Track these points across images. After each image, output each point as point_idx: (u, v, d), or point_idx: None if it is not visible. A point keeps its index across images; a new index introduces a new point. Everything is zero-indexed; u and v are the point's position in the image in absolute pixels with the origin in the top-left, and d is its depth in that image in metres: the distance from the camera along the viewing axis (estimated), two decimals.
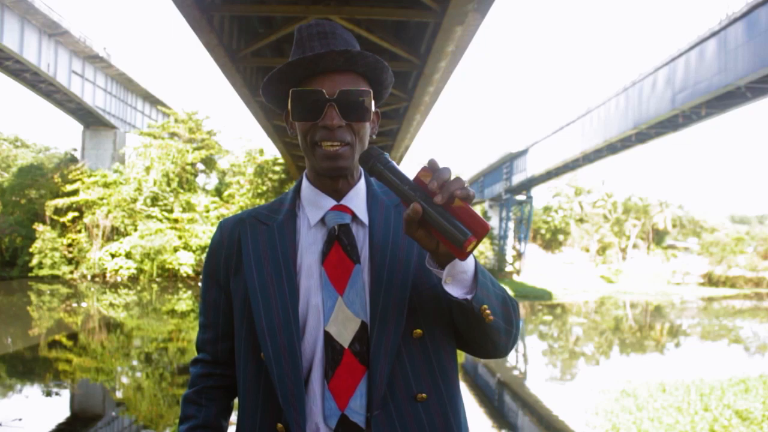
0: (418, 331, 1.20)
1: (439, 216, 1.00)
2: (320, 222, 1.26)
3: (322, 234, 1.24)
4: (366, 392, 1.16)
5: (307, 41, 1.24)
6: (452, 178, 1.02)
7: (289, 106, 1.23)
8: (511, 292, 1.32)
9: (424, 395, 1.19)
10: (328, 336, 1.17)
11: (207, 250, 1.37)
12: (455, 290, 1.09)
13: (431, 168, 1.04)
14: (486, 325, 1.13)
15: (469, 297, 1.09)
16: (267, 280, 1.22)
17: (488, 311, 1.11)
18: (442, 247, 1.04)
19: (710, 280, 40.53)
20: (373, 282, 1.20)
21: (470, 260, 1.10)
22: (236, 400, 1.34)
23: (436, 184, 1.01)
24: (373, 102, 1.24)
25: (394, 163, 1.09)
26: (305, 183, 1.30)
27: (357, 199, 1.27)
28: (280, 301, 1.20)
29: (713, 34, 16.39)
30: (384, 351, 1.16)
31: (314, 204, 1.27)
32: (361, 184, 1.30)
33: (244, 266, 1.25)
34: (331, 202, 1.26)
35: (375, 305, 1.18)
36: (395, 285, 1.19)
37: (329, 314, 1.18)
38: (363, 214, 1.26)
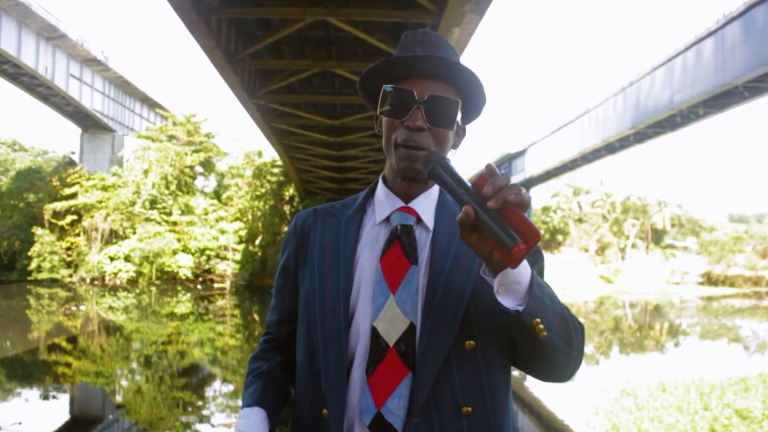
0: (471, 342, 1.18)
1: (491, 221, 0.99)
2: (385, 220, 1.29)
3: (384, 232, 1.28)
4: (407, 395, 1.15)
5: (410, 45, 1.27)
6: (509, 183, 1.01)
7: (379, 102, 1.26)
8: None
9: (469, 409, 1.17)
10: (374, 331, 1.18)
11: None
12: (508, 301, 1.08)
13: (488, 173, 1.03)
14: (540, 343, 1.10)
15: (520, 308, 1.07)
16: (326, 270, 1.26)
17: (541, 326, 1.08)
18: (496, 255, 1.03)
19: (709, 280, 40.56)
20: (429, 286, 1.20)
21: (525, 272, 1.08)
22: None
23: (491, 189, 0.99)
24: (460, 114, 1.27)
25: (455, 168, 1.09)
26: (380, 183, 1.35)
27: (425, 203, 1.30)
28: (334, 290, 1.24)
29: (710, 34, 16.43)
30: (432, 356, 1.15)
31: (383, 203, 1.31)
32: (434, 191, 1.32)
33: (308, 255, 1.31)
34: (399, 203, 1.29)
35: (428, 309, 1.18)
36: (452, 292, 1.19)
37: (378, 310, 1.19)
38: (429, 219, 1.28)
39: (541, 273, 1.29)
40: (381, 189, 1.33)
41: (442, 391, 1.16)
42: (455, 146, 1.33)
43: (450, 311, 1.18)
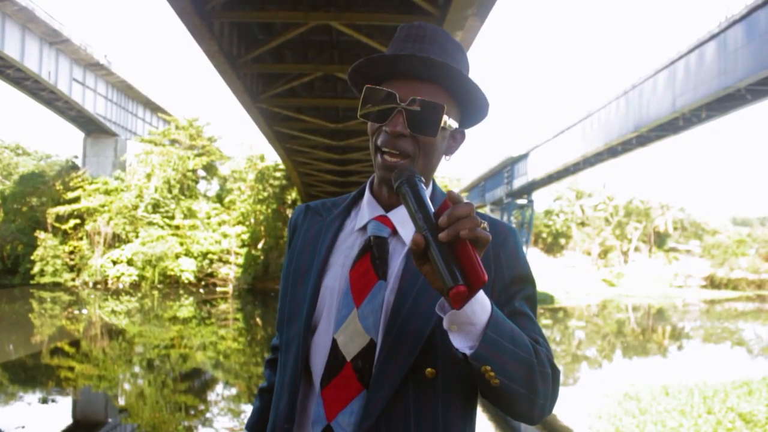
0: (432, 370, 1.09)
1: (438, 254, 0.89)
2: (363, 228, 1.22)
3: (360, 241, 1.20)
4: (358, 413, 1.09)
5: (401, 41, 1.17)
6: (468, 215, 0.90)
7: (360, 102, 1.18)
8: None
9: None
10: (334, 344, 1.13)
11: None
12: (459, 341, 0.99)
13: (450, 200, 0.92)
14: (493, 388, 1.01)
15: (468, 353, 0.98)
16: (299, 272, 1.23)
17: (491, 374, 0.98)
18: None
19: (712, 283, 40.49)
20: (395, 303, 1.12)
21: (483, 312, 0.98)
22: None
23: (446, 220, 0.90)
24: (450, 120, 1.15)
25: (424, 189, 1.00)
26: (367, 187, 1.28)
27: (406, 214, 1.19)
28: (302, 294, 1.20)
29: (713, 37, 16.40)
30: (387, 378, 1.08)
31: (365, 210, 1.23)
32: None
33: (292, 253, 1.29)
34: (378, 212, 1.21)
35: (390, 328, 1.10)
36: (418, 313, 1.10)
37: (341, 323, 1.13)
38: (406, 232, 1.18)
39: (529, 300, 1.18)
40: (366, 194, 1.26)
41: (395, 416, 1.09)
42: (449, 152, 1.23)
43: (413, 333, 1.09)
